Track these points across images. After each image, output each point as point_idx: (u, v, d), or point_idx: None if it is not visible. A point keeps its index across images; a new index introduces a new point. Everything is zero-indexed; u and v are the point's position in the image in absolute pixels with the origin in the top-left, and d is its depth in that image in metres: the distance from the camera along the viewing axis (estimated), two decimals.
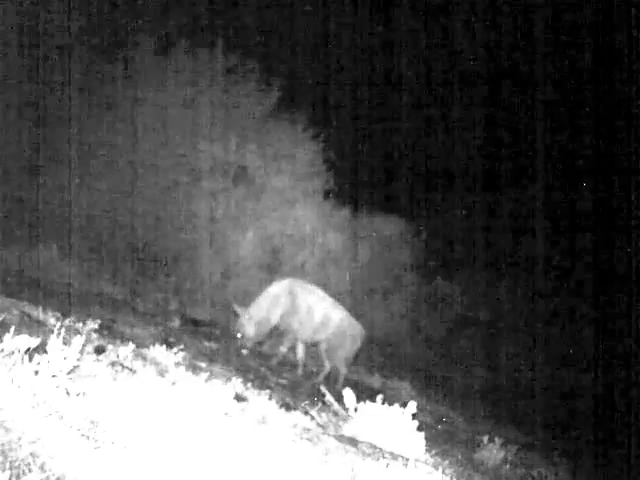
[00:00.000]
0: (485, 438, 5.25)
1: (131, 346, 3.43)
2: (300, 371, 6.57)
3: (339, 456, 2.83)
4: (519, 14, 15.26)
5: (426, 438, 3.61)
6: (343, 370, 6.76)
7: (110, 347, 3.48)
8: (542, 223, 14.84)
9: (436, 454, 3.77)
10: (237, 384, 3.77)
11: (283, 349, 6.64)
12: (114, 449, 2.01)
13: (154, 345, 3.87)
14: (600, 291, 13.97)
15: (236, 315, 6.64)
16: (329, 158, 10.45)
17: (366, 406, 3.65)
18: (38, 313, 4.00)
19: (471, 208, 14.25)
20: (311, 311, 6.57)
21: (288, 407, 3.79)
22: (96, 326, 3.85)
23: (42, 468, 1.74)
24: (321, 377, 6.59)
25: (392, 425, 3.53)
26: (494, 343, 12.20)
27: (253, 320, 6.41)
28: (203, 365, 4.44)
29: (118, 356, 3.31)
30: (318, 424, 3.61)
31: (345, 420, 3.81)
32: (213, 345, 6.14)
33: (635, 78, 14.07)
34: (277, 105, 10.12)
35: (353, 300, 10.07)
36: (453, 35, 15.41)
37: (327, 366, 6.79)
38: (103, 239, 8.99)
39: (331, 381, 6.57)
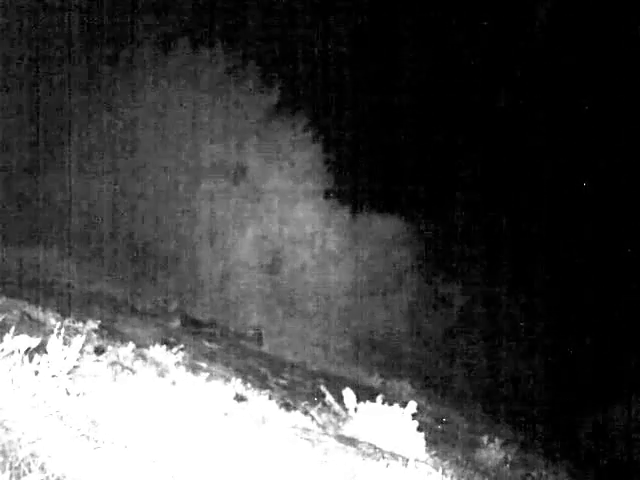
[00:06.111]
0: (485, 438, 5.25)
1: (131, 346, 3.43)
2: None
3: (339, 456, 2.83)
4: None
5: (426, 438, 3.61)
6: None
7: (110, 347, 3.48)
8: (542, 222, 14.82)
9: (436, 454, 3.77)
10: (237, 384, 3.77)
11: None
12: (114, 449, 2.01)
13: (154, 345, 3.87)
14: (601, 291, 13.96)
15: None
16: (329, 158, 10.46)
17: (366, 406, 3.65)
18: (38, 313, 4.00)
19: (471, 208, 14.23)
20: None
21: (288, 407, 3.79)
22: (96, 326, 3.85)
23: (42, 468, 1.74)
24: None
25: (392, 425, 3.53)
26: (494, 343, 12.19)
27: None
28: (203, 365, 4.44)
29: (118, 356, 3.31)
30: (318, 424, 3.60)
31: (345, 420, 3.80)
32: (213, 345, 6.15)
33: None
34: (277, 105, 10.13)
35: (353, 300, 10.09)
36: (453, 36, 15.38)
37: None
38: (103, 239, 9.00)
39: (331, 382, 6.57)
